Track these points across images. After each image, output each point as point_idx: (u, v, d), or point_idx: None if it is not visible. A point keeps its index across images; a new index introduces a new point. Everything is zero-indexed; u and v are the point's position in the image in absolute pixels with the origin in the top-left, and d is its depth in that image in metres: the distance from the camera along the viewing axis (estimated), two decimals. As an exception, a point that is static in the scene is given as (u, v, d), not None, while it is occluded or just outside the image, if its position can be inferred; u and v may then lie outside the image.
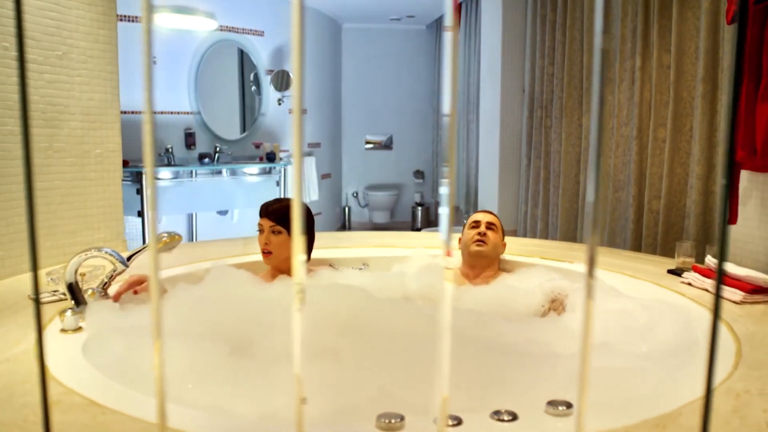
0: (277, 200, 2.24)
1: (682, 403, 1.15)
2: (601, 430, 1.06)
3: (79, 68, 2.29)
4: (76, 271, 1.63)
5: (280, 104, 5.82)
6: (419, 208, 7.61)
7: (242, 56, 5.50)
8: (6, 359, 1.35)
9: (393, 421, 1.06)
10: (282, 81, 5.62)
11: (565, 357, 1.44)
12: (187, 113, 5.07)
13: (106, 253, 1.65)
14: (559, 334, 1.64)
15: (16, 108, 2.08)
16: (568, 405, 1.13)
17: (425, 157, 7.82)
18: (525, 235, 4.58)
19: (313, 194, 6.16)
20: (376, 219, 7.75)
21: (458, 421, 1.09)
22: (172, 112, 4.95)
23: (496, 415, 1.10)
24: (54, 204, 2.23)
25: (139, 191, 4.33)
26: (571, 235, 3.83)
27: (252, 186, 5.17)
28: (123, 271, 1.78)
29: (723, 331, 1.61)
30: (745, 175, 2.12)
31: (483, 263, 2.24)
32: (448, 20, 0.52)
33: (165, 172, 4.55)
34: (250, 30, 5.47)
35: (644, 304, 1.76)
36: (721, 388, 1.24)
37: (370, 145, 7.83)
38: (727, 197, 0.58)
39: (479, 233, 2.23)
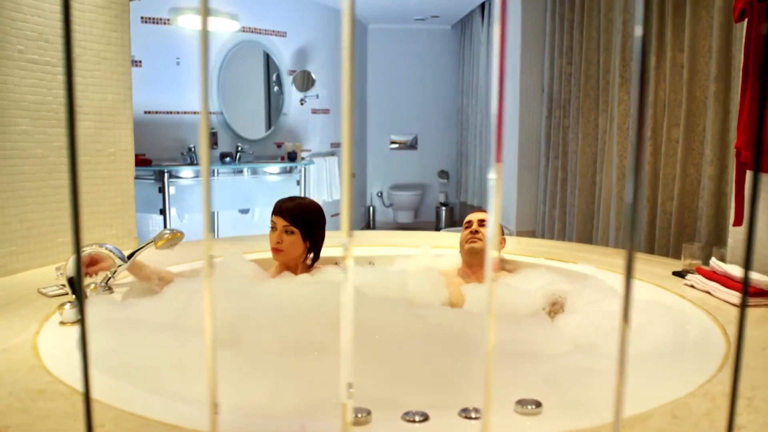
0: (291, 198, 2.26)
1: (655, 406, 1.15)
2: (565, 430, 1.06)
3: (92, 70, 2.36)
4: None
5: (302, 104, 5.88)
6: (443, 208, 7.60)
7: (265, 57, 5.57)
8: (3, 349, 1.41)
9: (360, 415, 1.08)
10: (304, 81, 5.68)
11: (548, 357, 1.45)
12: (210, 113, 5.16)
13: (106, 248, 1.70)
14: (548, 335, 1.64)
15: (29, 108, 2.15)
16: (538, 404, 1.13)
17: (450, 157, 7.81)
18: (543, 236, 4.55)
19: (335, 193, 6.20)
20: (400, 219, 7.77)
21: (425, 417, 1.10)
22: (195, 113, 5.04)
23: (464, 412, 1.11)
24: (67, 201, 2.30)
25: (161, 190, 4.42)
26: (587, 236, 3.80)
27: (273, 185, 5.23)
28: (123, 266, 1.84)
29: (716, 333, 1.59)
30: (750, 176, 2.09)
31: (479, 260, 2.25)
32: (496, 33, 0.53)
33: (187, 171, 4.64)
34: (273, 31, 5.54)
35: (639, 306, 1.75)
36: (699, 391, 1.23)
37: (395, 145, 7.85)
38: (754, 202, 0.59)
39: (472, 231, 2.25)
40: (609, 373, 1.33)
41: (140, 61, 4.71)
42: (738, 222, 2.10)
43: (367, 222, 7.79)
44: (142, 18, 4.71)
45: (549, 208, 4.33)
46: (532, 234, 4.74)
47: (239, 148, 5.16)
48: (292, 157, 5.37)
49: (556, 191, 4.22)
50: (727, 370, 1.34)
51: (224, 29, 5.15)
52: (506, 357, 1.46)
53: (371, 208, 7.82)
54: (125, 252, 1.90)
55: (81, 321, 0.53)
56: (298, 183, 5.39)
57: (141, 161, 4.55)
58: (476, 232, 2.25)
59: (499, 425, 1.09)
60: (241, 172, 5.11)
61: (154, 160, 4.71)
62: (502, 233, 2.34)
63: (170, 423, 1.04)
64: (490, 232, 0.53)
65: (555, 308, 2.03)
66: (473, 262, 2.27)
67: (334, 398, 1.24)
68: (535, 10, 4.49)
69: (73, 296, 1.70)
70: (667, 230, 2.91)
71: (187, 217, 4.93)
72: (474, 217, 2.31)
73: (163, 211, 4.43)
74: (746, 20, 2.01)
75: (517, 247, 2.63)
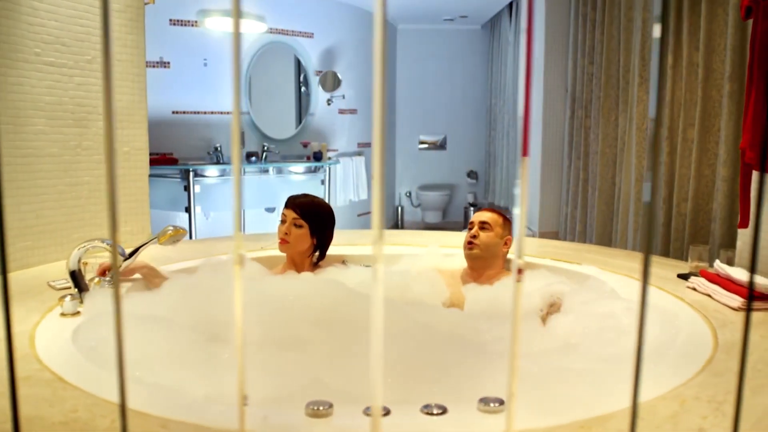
0: (305, 195, 2.30)
1: (621, 407, 1.14)
2: (526, 428, 1.07)
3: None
4: (79, 260, 1.76)
5: (329, 104, 5.94)
6: (472, 208, 7.57)
7: (292, 58, 5.64)
8: (1, 338, 1.47)
9: (321, 408, 1.10)
10: (330, 82, 5.73)
11: (528, 356, 1.45)
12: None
13: (107, 244, 1.76)
14: (535, 334, 1.64)
15: (45, 109, 2.24)
16: (501, 402, 1.14)
17: (478, 157, 7.78)
18: (565, 237, 4.51)
19: (362, 193, 6.25)
20: (428, 219, 7.77)
21: (386, 412, 1.12)
22: (222, 112, 5.14)
23: (426, 408, 1.13)
24: (82, 198, 2.39)
25: (186, 188, 4.53)
26: (607, 237, 3.75)
27: (297, 184, 5.30)
28: (128, 262, 1.90)
29: (705, 337, 1.57)
30: (756, 177, 2.04)
31: (479, 264, 2.24)
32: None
33: (212, 170, 4.74)
34: (300, 32, 5.61)
35: (633, 307, 1.73)
36: (671, 394, 1.21)
37: (424, 145, 7.86)
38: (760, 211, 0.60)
39: (471, 236, 2.23)
40: (584, 373, 1.33)
41: (168, 63, 4.83)
42: (744, 224, 2.05)
43: (395, 222, 7.81)
44: (170, 20, 4.82)
45: (571, 209, 4.29)
46: (555, 235, 4.70)
47: (265, 148, 5.24)
48: (317, 156, 5.43)
49: (577, 192, 4.18)
50: (706, 374, 1.32)
51: (251, 31, 5.24)
52: (487, 355, 1.47)
53: (399, 208, 7.85)
54: (131, 248, 1.97)
55: (116, 323, 0.55)
56: (323, 182, 5.45)
57: (168, 160, 4.67)
58: (475, 236, 2.22)
59: (457, 421, 1.10)
60: (266, 171, 5.19)
61: (181, 159, 4.82)
62: (509, 232, 2.31)
63: (136, 408, 1.08)
64: (518, 230, 0.55)
65: (552, 310, 2.02)
66: (473, 265, 2.26)
67: (304, 391, 1.27)
68: (559, 9, 4.45)
69: (75, 289, 1.76)
70: (682, 232, 2.86)
71: (212, 215, 5.04)
72: (476, 218, 2.29)
73: (188, 209, 4.54)
74: (752, 18, 1.97)
75: (526, 248, 2.62)
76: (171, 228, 2.01)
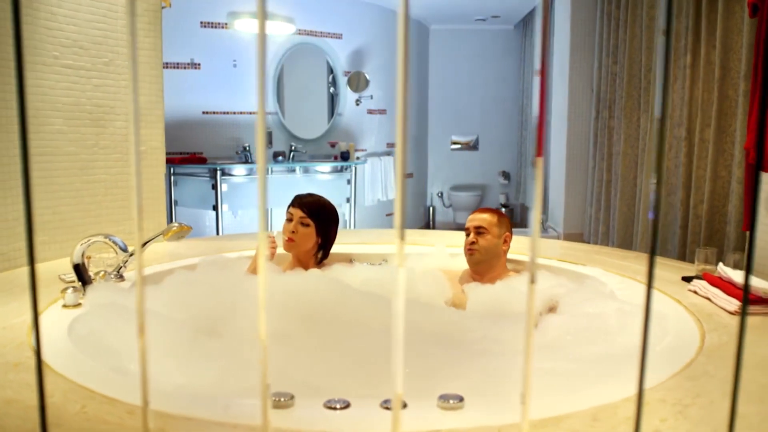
0: (310, 194, 2.35)
1: (582, 408, 1.14)
2: (478, 426, 1.08)
3: (124, 73, 2.53)
4: (82, 254, 1.83)
5: (358, 105, 5.98)
6: (503, 209, 7.52)
7: (321, 58, 5.71)
8: (3, 327, 1.56)
9: (283, 399, 1.14)
10: (358, 82, 5.78)
11: (505, 355, 1.46)
12: (266, 113, 5.34)
13: (109, 239, 1.84)
14: (519, 334, 1.64)
15: (63, 110, 2.34)
16: (460, 399, 1.16)
17: (511, 157, 7.72)
18: (590, 239, 4.45)
19: (390, 193, 6.28)
20: (459, 219, 7.75)
21: (347, 404, 1.15)
22: (251, 113, 5.24)
23: (384, 403, 1.15)
24: (99, 195, 2.48)
25: (214, 186, 4.63)
26: (629, 240, 3.69)
27: (324, 183, 5.36)
28: (134, 257, 1.97)
29: (692, 341, 1.54)
30: (764, 178, 2.00)
31: (482, 268, 2.24)
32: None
33: (240, 169, 4.83)
34: (329, 33, 5.67)
35: (625, 309, 1.72)
36: (636, 396, 1.20)
37: (457, 146, 7.84)
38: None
39: (470, 242, 2.21)
40: (555, 374, 1.33)
41: (199, 64, 4.95)
42: (747, 226, 2.01)
43: (426, 222, 7.82)
44: (201, 23, 4.94)
45: (595, 210, 4.23)
46: (579, 237, 4.64)
47: (293, 147, 5.32)
48: (345, 156, 5.48)
49: (601, 193, 4.12)
50: (680, 377, 1.31)
51: (280, 32, 5.32)
52: (467, 353, 1.48)
53: (431, 209, 7.85)
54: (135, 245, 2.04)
55: (139, 319, 0.57)
56: (349, 182, 5.50)
57: (197, 159, 4.78)
58: (474, 242, 2.21)
59: (413, 417, 1.12)
60: (293, 170, 5.26)
61: (211, 159, 4.93)
62: (506, 229, 2.28)
63: (102, 392, 1.14)
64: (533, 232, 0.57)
65: (549, 312, 2.01)
66: (478, 269, 2.26)
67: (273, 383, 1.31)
68: (585, 8, 4.39)
69: (79, 282, 1.84)
70: (698, 235, 2.80)
71: (240, 213, 5.14)
72: (470, 223, 2.24)
73: (215, 207, 4.64)
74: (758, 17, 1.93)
75: (521, 246, 2.61)
76: (176, 225, 2.08)
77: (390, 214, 6.42)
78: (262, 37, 0.55)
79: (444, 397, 1.16)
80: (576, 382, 1.25)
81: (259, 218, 0.57)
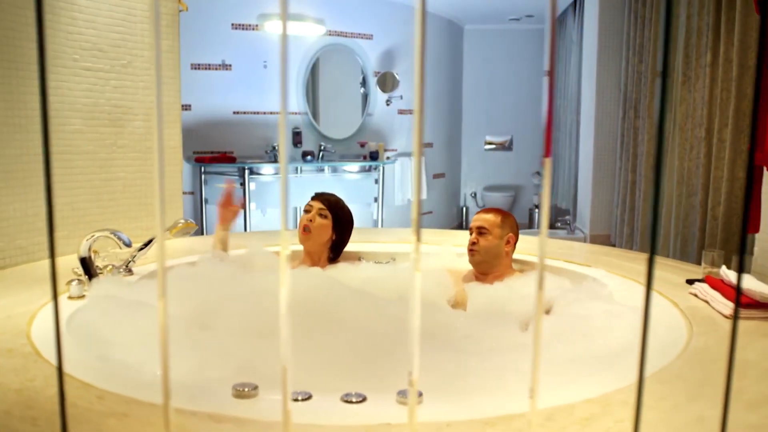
0: (331, 194, 2.42)
1: (539, 408, 1.15)
2: (429, 420, 1.10)
3: (142, 75, 2.62)
4: (89, 248, 1.92)
5: (388, 105, 6.02)
6: (536, 209, 7.44)
7: (351, 59, 5.76)
8: (8, 316, 1.64)
9: (247, 389, 1.18)
10: (388, 82, 5.81)
11: (483, 354, 1.47)
12: (295, 113, 5.43)
13: (114, 234, 1.91)
14: (505, 333, 1.65)
15: (83, 110, 2.44)
16: (419, 394, 1.18)
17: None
18: (616, 241, 4.38)
19: (421, 193, 6.28)
20: (492, 220, 7.70)
21: (308, 396, 1.18)
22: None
23: (346, 396, 1.18)
24: (117, 193, 2.58)
25: (242, 185, 4.74)
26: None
27: (352, 183, 5.41)
28: (143, 252, 2.05)
29: (677, 345, 1.52)
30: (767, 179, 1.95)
31: (484, 268, 2.24)
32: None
33: (268, 168, 4.92)
34: (359, 34, 5.72)
35: (613, 311, 1.71)
36: (600, 398, 1.20)
37: (491, 146, 7.80)
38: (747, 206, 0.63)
39: (471, 242, 2.22)
40: (522, 373, 1.34)
41: (230, 65, 5.07)
42: (754, 228, 1.96)
43: (459, 222, 7.80)
44: (232, 25, 5.06)
45: (620, 212, 4.17)
46: (606, 239, 4.57)
47: (322, 147, 5.39)
48: (374, 156, 5.52)
49: (627, 195, 4.06)
50: (651, 380, 1.29)
51: (311, 33, 5.39)
52: (455, 352, 1.49)
53: (464, 209, 7.82)
54: (141, 240, 2.12)
55: (161, 311, 0.62)
56: (376, 182, 5.53)
57: (227, 158, 4.89)
58: (474, 242, 2.21)
59: (371, 410, 1.15)
60: (322, 170, 5.33)
61: (241, 158, 5.04)
62: (510, 229, 2.27)
63: (79, 378, 1.20)
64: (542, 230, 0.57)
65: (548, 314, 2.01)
66: (480, 269, 2.26)
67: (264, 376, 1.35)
68: (613, 7, 4.33)
69: (85, 275, 1.92)
70: (715, 237, 2.74)
71: (269, 212, 5.23)
72: (474, 223, 2.25)
73: (243, 206, 4.74)
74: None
75: (532, 247, 2.59)
76: (182, 221, 2.15)
77: (422, 214, 6.43)
78: (284, 38, 0.57)
79: (403, 393, 1.18)
80: (544, 383, 1.26)
81: (280, 216, 0.57)
